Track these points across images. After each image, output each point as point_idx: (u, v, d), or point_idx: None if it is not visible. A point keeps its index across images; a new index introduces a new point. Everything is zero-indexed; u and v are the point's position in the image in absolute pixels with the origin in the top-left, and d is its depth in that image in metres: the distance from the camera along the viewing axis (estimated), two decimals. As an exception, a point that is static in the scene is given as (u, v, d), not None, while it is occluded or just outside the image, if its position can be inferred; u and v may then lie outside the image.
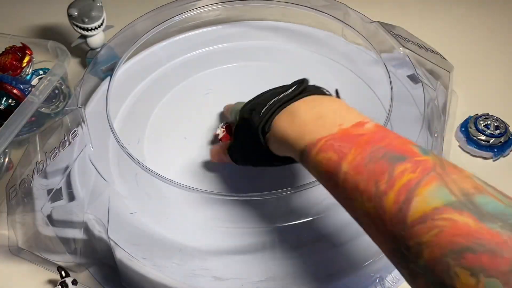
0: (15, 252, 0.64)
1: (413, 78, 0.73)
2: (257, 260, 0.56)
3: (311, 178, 0.55)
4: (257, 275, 0.55)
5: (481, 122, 0.73)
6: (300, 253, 0.57)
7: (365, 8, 0.79)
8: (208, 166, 0.67)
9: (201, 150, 0.68)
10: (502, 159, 0.72)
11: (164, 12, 0.77)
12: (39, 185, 0.61)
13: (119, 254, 0.56)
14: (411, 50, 0.72)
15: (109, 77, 0.70)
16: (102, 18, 0.80)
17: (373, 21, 0.74)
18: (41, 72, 0.79)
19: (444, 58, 0.77)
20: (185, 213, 0.60)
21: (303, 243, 0.57)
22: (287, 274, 0.55)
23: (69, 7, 0.78)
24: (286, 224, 0.56)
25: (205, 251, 0.57)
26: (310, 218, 0.56)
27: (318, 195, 0.61)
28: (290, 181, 0.61)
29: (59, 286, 0.57)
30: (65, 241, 0.60)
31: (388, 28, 0.74)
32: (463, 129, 0.74)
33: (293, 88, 0.50)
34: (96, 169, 0.59)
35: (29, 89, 0.73)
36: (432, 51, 0.76)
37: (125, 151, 0.58)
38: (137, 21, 0.76)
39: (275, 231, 0.58)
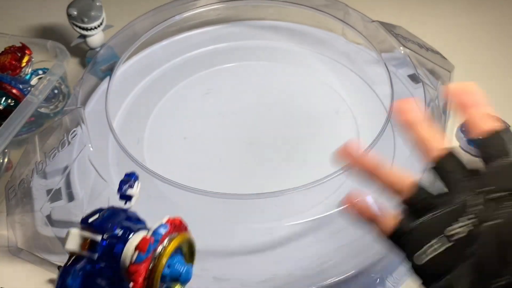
0: (14, 252, 0.63)
1: (414, 78, 0.73)
2: (257, 261, 0.56)
3: (311, 178, 0.55)
4: (257, 275, 0.55)
5: (482, 122, 0.73)
6: (300, 253, 0.57)
7: (366, 7, 0.79)
8: (207, 166, 0.67)
9: (200, 150, 0.68)
10: (502, 159, 0.72)
11: (164, 12, 0.77)
12: (38, 185, 0.61)
13: (119, 255, 0.56)
14: (411, 50, 0.72)
15: (108, 77, 0.70)
16: (101, 18, 0.80)
17: (374, 21, 0.74)
18: (40, 72, 0.79)
19: (444, 58, 0.76)
20: (184, 213, 0.60)
21: (303, 243, 0.57)
22: (287, 274, 0.55)
23: (69, 6, 0.78)
24: (286, 224, 0.56)
25: (205, 251, 0.57)
26: (311, 219, 0.56)
27: (319, 196, 0.61)
28: (291, 181, 0.61)
29: None
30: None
31: (388, 27, 0.74)
32: (463, 129, 0.74)
33: None
34: (96, 169, 0.59)
35: (28, 89, 0.73)
36: (433, 50, 0.76)
37: (125, 151, 0.58)
38: (137, 21, 0.76)
39: (275, 231, 0.58)
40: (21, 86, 0.73)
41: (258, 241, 0.57)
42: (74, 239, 0.37)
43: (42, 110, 0.76)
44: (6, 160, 0.71)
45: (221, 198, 0.55)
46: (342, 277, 0.56)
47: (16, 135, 0.66)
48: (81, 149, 0.60)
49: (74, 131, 0.61)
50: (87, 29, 0.80)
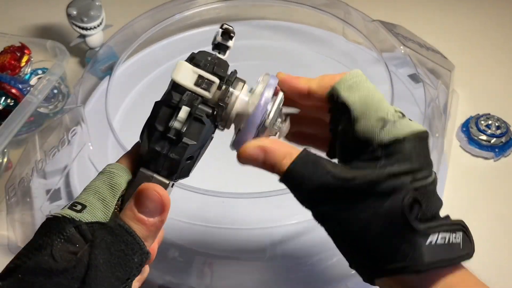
0: (15, 251, 0.63)
1: (414, 78, 0.73)
2: (256, 259, 0.56)
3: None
4: (257, 275, 0.55)
5: (482, 122, 0.73)
6: (300, 252, 0.56)
7: (366, 7, 0.79)
8: (207, 165, 0.66)
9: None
10: (503, 159, 0.72)
11: (164, 11, 0.77)
12: (38, 184, 0.60)
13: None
14: (412, 49, 0.72)
15: (108, 76, 0.70)
16: (101, 18, 0.80)
17: (374, 20, 0.74)
18: (40, 71, 0.79)
19: (445, 57, 0.76)
20: (183, 213, 0.60)
21: (303, 242, 0.57)
22: (286, 274, 0.55)
23: (68, 6, 0.78)
24: (286, 223, 0.56)
25: (204, 251, 0.57)
26: (310, 218, 0.56)
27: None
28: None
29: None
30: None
31: (389, 27, 0.74)
32: (464, 129, 0.74)
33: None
34: (96, 168, 0.59)
35: (28, 88, 0.73)
36: (433, 50, 0.76)
37: (125, 150, 0.58)
38: (137, 20, 0.76)
39: (275, 230, 0.58)
40: (20, 86, 0.73)
41: (257, 240, 0.57)
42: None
43: (42, 110, 0.76)
44: (5, 159, 0.71)
45: (221, 197, 0.55)
46: (342, 276, 0.56)
47: (15, 135, 0.66)
48: (81, 147, 0.60)
49: (74, 130, 0.61)
50: (86, 29, 0.79)
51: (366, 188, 0.33)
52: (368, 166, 0.34)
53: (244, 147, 0.38)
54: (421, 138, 0.35)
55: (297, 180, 0.35)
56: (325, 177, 0.34)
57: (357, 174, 0.33)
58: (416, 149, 0.34)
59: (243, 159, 0.38)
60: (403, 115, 0.35)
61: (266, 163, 0.37)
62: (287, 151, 0.36)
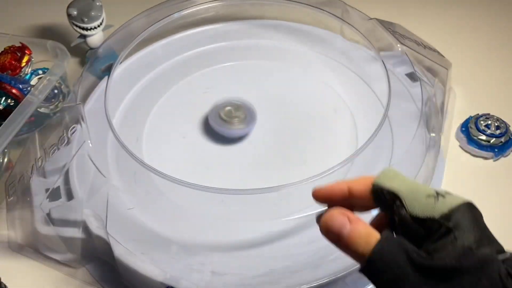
0: (15, 248, 0.63)
1: (412, 76, 0.73)
2: (255, 255, 0.56)
3: (309, 173, 0.55)
4: (255, 270, 0.55)
5: (482, 122, 0.73)
6: (298, 248, 0.57)
7: (364, 5, 0.79)
8: (206, 164, 0.67)
9: (199, 149, 0.68)
10: (502, 159, 0.72)
11: (162, 10, 0.77)
12: (38, 182, 0.61)
13: (118, 250, 0.56)
14: (409, 47, 0.72)
15: (107, 75, 0.70)
16: (101, 18, 0.80)
17: (371, 18, 0.74)
18: (40, 71, 0.79)
19: (442, 55, 0.77)
20: (183, 208, 0.60)
21: (301, 239, 0.57)
22: (284, 269, 0.55)
23: (69, 6, 0.78)
24: (285, 219, 0.56)
25: (204, 246, 0.57)
26: (309, 214, 0.56)
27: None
28: (289, 179, 0.61)
29: None
30: (64, 239, 0.60)
31: (386, 25, 0.74)
32: (463, 129, 0.74)
33: None
34: (95, 165, 0.59)
35: (28, 88, 0.73)
36: (430, 48, 0.76)
37: (124, 148, 0.59)
38: (135, 19, 0.76)
39: (274, 226, 0.58)
40: (21, 86, 0.74)
41: (256, 236, 0.57)
42: None
43: (42, 110, 0.76)
44: (6, 159, 0.71)
45: (220, 193, 0.55)
46: (340, 274, 0.56)
47: (16, 135, 0.67)
48: (81, 145, 0.60)
49: (74, 127, 0.61)
50: (87, 29, 0.80)
51: (456, 264, 0.31)
52: (444, 244, 0.32)
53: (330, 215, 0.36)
54: (471, 206, 0.35)
55: (384, 264, 0.32)
56: (413, 260, 0.32)
57: (441, 254, 0.32)
58: (473, 214, 0.34)
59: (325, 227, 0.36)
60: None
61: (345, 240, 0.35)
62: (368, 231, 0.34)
